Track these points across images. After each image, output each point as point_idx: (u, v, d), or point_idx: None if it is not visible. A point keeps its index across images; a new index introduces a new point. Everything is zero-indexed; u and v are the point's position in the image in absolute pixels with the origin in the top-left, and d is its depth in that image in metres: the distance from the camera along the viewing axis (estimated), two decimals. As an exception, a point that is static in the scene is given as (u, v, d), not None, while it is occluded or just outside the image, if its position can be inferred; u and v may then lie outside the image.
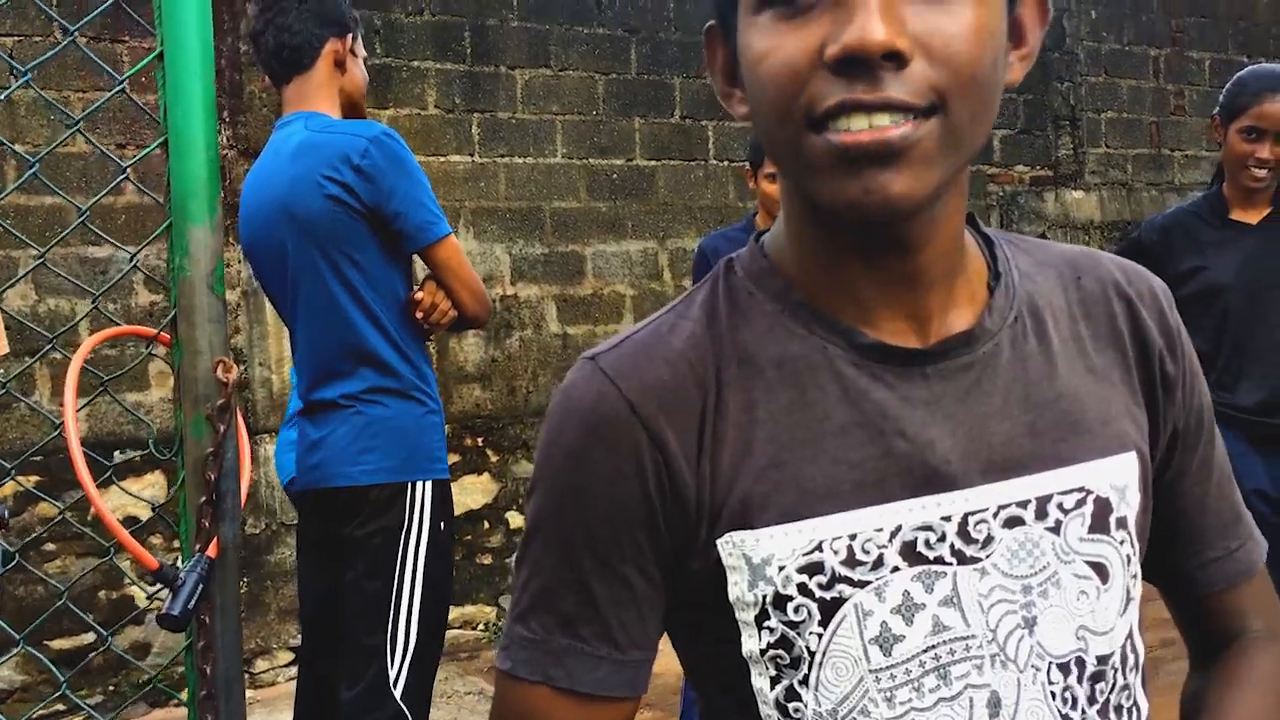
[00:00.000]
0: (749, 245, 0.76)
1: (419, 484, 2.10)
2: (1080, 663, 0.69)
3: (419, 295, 2.13)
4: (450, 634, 4.07)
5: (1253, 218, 2.57)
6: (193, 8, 1.19)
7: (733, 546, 0.67)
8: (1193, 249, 2.62)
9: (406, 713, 2.05)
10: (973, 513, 0.68)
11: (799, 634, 0.67)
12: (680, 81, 5.25)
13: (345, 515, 2.11)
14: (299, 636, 4.26)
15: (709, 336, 0.71)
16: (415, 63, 4.70)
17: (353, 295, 2.09)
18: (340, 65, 2.20)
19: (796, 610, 0.66)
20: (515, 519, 4.82)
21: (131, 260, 1.27)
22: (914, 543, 0.67)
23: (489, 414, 4.82)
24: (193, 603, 1.23)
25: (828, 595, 0.66)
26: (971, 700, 0.67)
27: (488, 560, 4.76)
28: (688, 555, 0.69)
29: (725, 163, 5.26)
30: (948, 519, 0.67)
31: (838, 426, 0.68)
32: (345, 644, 2.16)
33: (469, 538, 4.70)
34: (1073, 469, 0.70)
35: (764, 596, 0.67)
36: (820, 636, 0.66)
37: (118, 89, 1.35)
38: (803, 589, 0.66)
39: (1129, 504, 0.72)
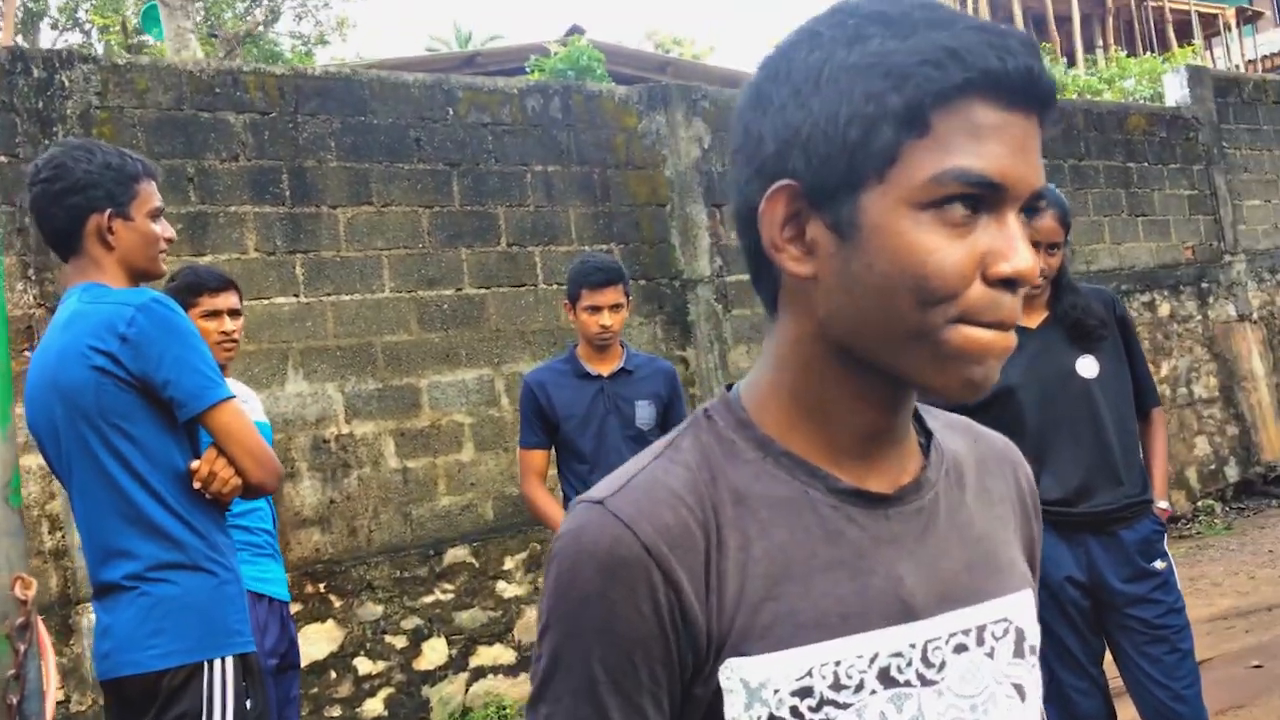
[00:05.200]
0: (722, 397, 0.84)
1: (217, 661, 2.00)
2: None
3: (195, 465, 2.05)
4: (300, 797, 3.88)
5: (1032, 322, 2.80)
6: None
7: (731, 672, 0.75)
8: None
9: None
10: (931, 640, 0.78)
11: None
12: (504, 210, 5.34)
13: (141, 706, 1.98)
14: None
15: (703, 480, 0.78)
16: (232, 208, 4.65)
17: (126, 468, 1.99)
18: (106, 238, 2.12)
19: None
20: (364, 665, 4.66)
21: (-82, 478, 1.22)
22: (888, 668, 0.77)
23: (330, 558, 4.69)
24: (-4, 838, 1.16)
25: (816, 717, 0.75)
26: None
27: (337, 712, 4.57)
28: (694, 683, 0.76)
29: (554, 286, 5.34)
30: (914, 646, 0.78)
31: (823, 564, 0.77)
32: None
33: (315, 690, 4.52)
34: (998, 601, 0.83)
35: (759, 717, 0.74)
36: None
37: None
38: (794, 711, 0.74)
39: (1035, 633, 0.85)
